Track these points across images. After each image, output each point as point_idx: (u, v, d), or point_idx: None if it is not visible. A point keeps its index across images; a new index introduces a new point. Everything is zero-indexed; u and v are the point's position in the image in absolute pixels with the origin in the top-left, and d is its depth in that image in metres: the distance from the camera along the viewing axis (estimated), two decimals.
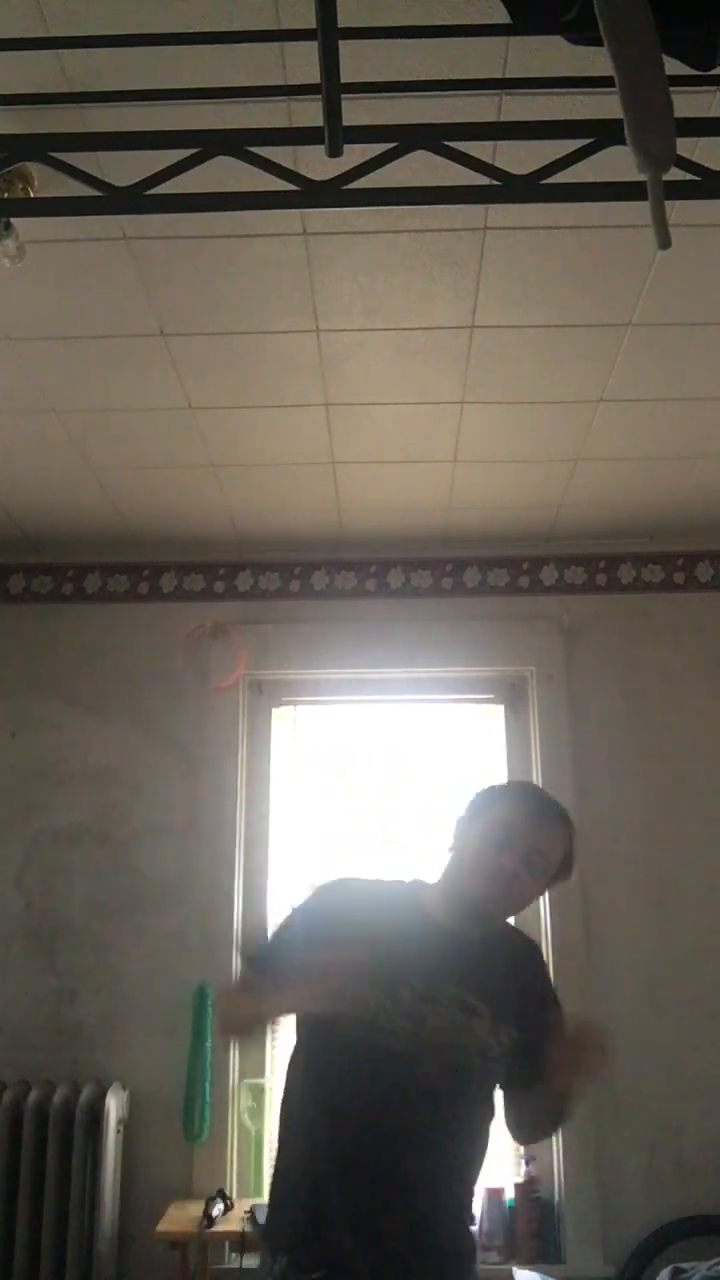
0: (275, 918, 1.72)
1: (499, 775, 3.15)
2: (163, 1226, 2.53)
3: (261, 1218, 2.22)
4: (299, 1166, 1.60)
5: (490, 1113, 1.70)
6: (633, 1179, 2.74)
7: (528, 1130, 1.84)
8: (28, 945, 2.96)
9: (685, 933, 2.91)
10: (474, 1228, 1.80)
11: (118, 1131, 2.71)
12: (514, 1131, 1.80)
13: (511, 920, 1.79)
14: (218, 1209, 2.53)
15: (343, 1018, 1.58)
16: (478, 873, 1.64)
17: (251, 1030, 1.78)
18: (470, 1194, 1.70)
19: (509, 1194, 2.72)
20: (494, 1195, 2.71)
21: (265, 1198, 1.71)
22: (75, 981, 2.92)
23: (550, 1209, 2.75)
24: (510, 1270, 2.57)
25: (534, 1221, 2.70)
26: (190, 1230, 2.49)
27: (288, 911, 1.74)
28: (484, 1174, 1.73)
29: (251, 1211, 2.50)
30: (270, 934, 1.73)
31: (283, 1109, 1.67)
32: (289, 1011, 1.64)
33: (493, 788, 1.78)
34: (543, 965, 1.84)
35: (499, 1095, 1.72)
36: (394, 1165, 1.57)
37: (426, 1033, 1.59)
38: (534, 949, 1.84)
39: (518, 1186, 2.72)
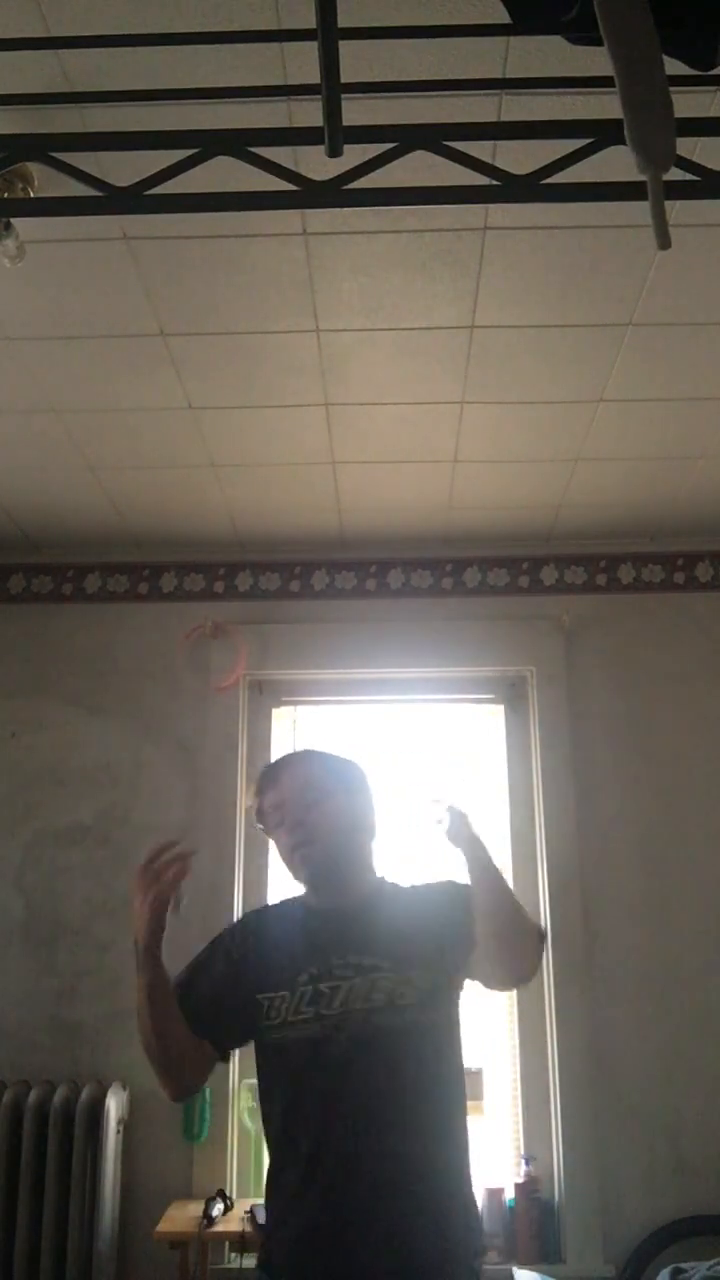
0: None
1: (499, 775, 3.16)
2: (163, 1226, 2.53)
3: (261, 1218, 2.22)
4: (276, 1184, 1.65)
5: (449, 1070, 1.65)
6: (633, 1179, 2.74)
7: (506, 961, 1.69)
8: (28, 945, 2.96)
9: (685, 933, 2.91)
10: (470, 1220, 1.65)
11: (118, 1131, 2.71)
12: (504, 975, 1.73)
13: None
14: (218, 1209, 2.53)
15: (259, 1028, 1.67)
16: (288, 859, 1.76)
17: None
18: (456, 1173, 1.61)
19: (509, 1194, 2.72)
20: (494, 1195, 2.71)
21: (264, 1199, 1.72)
22: (75, 981, 2.92)
23: (550, 1209, 2.75)
24: (510, 1270, 2.57)
25: (534, 1221, 2.70)
26: (190, 1230, 2.49)
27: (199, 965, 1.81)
28: (472, 1150, 1.64)
29: (251, 1211, 2.50)
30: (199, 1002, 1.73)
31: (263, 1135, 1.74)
32: (144, 948, 1.64)
33: (254, 786, 1.89)
34: (440, 895, 1.81)
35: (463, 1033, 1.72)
36: (356, 1152, 1.55)
37: (333, 1009, 1.62)
38: (427, 890, 1.84)
39: (518, 1186, 2.72)
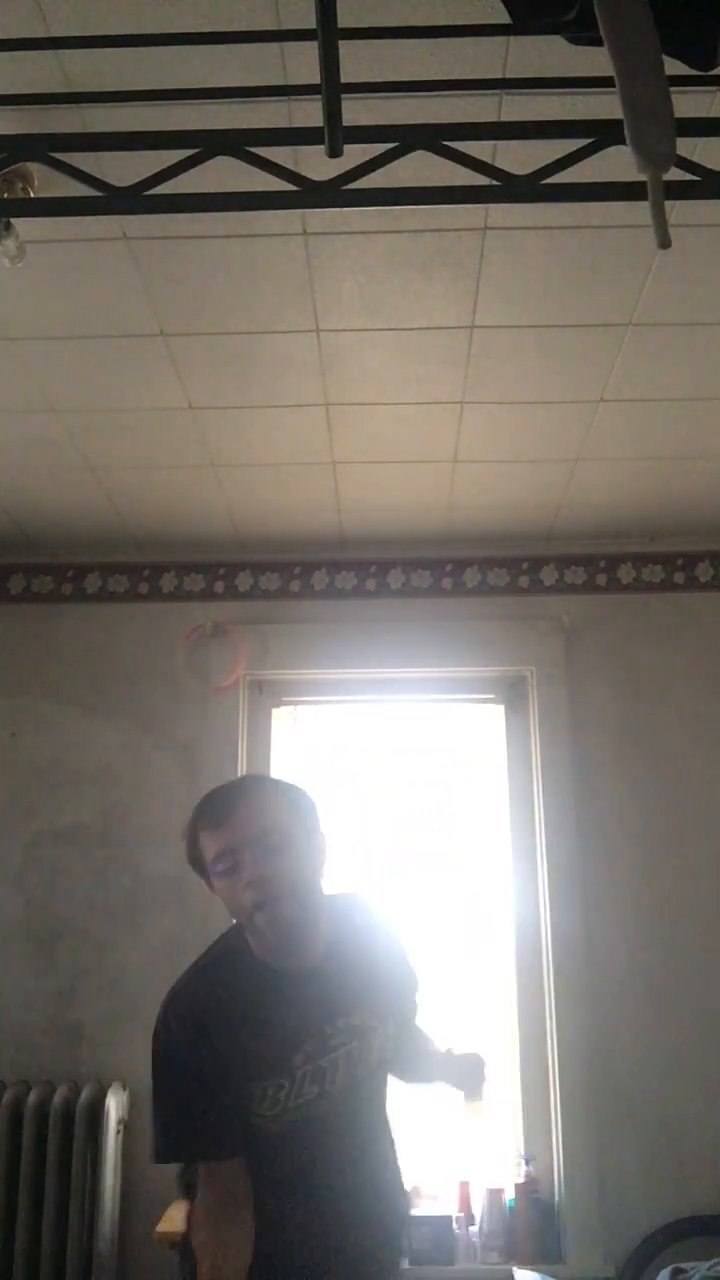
0: (158, 1104, 1.58)
1: (499, 775, 3.16)
2: (163, 1226, 2.53)
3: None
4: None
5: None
6: (633, 1179, 2.74)
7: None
8: (28, 945, 2.96)
9: (685, 933, 2.91)
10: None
11: (118, 1131, 2.71)
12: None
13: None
14: None
15: (254, 1117, 1.49)
16: (245, 918, 1.50)
17: None
18: (401, 1187, 1.71)
19: (509, 1194, 2.72)
20: (494, 1195, 2.71)
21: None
22: (75, 981, 2.92)
23: (550, 1209, 2.75)
24: (510, 1270, 2.57)
25: (534, 1221, 2.70)
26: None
27: (170, 1076, 1.55)
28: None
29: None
30: (169, 1126, 1.54)
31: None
32: None
33: (189, 822, 1.57)
34: (398, 962, 1.72)
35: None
36: (341, 1199, 1.57)
37: (336, 1084, 1.54)
38: (385, 940, 1.70)
39: (518, 1186, 2.72)
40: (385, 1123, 1.70)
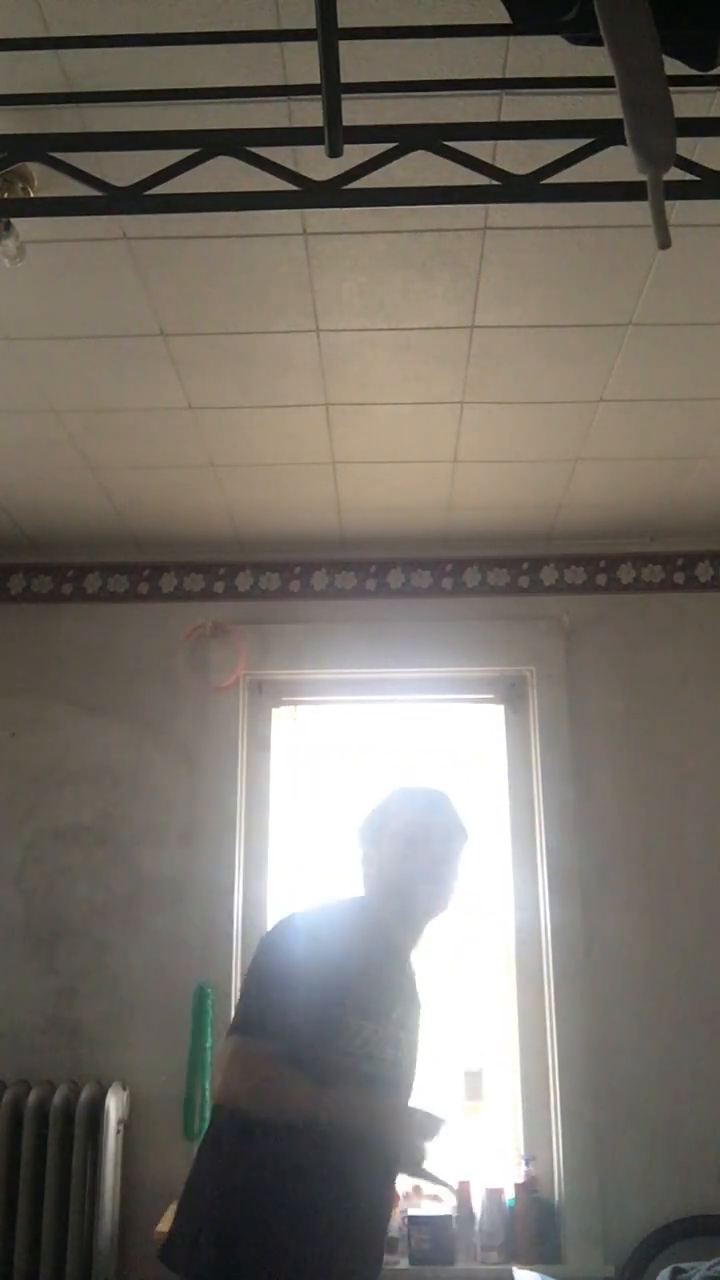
0: (271, 977, 1.60)
1: (499, 775, 3.16)
2: (163, 1226, 2.52)
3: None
4: (321, 1223, 1.52)
5: None
6: (633, 1179, 2.74)
7: None
8: (28, 945, 2.96)
9: (685, 932, 2.91)
10: None
11: (118, 1131, 2.71)
12: None
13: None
14: None
15: (334, 1050, 1.52)
16: (418, 877, 1.67)
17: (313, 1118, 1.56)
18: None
19: (509, 1194, 2.72)
20: (494, 1195, 2.71)
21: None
22: (75, 981, 2.92)
23: (550, 1209, 2.75)
24: (510, 1270, 2.57)
25: (534, 1221, 2.70)
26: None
27: (276, 965, 1.61)
28: None
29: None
30: (278, 1001, 1.57)
31: (280, 1169, 1.52)
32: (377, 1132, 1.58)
33: (389, 797, 1.79)
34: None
35: None
36: (384, 1193, 1.64)
37: (404, 1060, 1.63)
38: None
39: (518, 1186, 2.72)
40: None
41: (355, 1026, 1.55)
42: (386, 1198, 1.68)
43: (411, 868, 1.69)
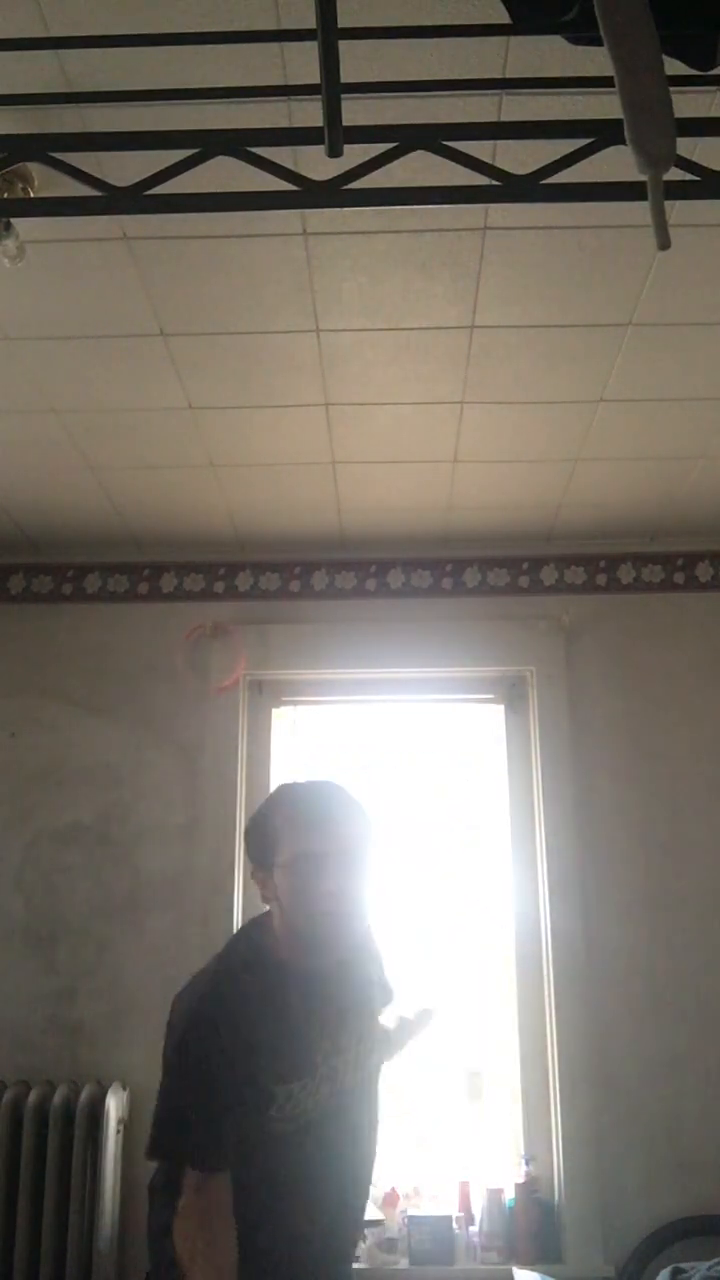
0: (172, 1104, 1.57)
1: (499, 775, 3.16)
2: None
3: None
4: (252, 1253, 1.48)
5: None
6: (633, 1179, 2.74)
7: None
8: (28, 945, 2.96)
9: (685, 932, 2.91)
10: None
11: (118, 1131, 2.71)
12: None
13: None
14: None
15: (267, 1119, 1.50)
16: (317, 915, 1.52)
17: None
18: (370, 1175, 1.75)
19: (509, 1194, 2.72)
20: (494, 1195, 2.71)
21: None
22: (75, 981, 2.92)
23: (550, 1209, 2.75)
24: (510, 1270, 2.57)
25: (534, 1221, 2.70)
26: None
27: (179, 1085, 1.55)
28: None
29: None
30: (182, 1124, 1.53)
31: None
32: None
33: (271, 809, 1.60)
34: (374, 954, 1.76)
35: None
36: (330, 1194, 1.61)
37: (340, 1087, 1.59)
38: (365, 941, 1.72)
39: (518, 1186, 2.72)
40: (375, 1118, 1.73)
41: (282, 1093, 1.50)
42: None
43: (310, 907, 1.52)
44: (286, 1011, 1.53)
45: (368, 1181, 1.73)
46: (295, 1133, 1.55)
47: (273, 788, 3.08)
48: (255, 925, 1.65)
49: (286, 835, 1.55)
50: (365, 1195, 1.74)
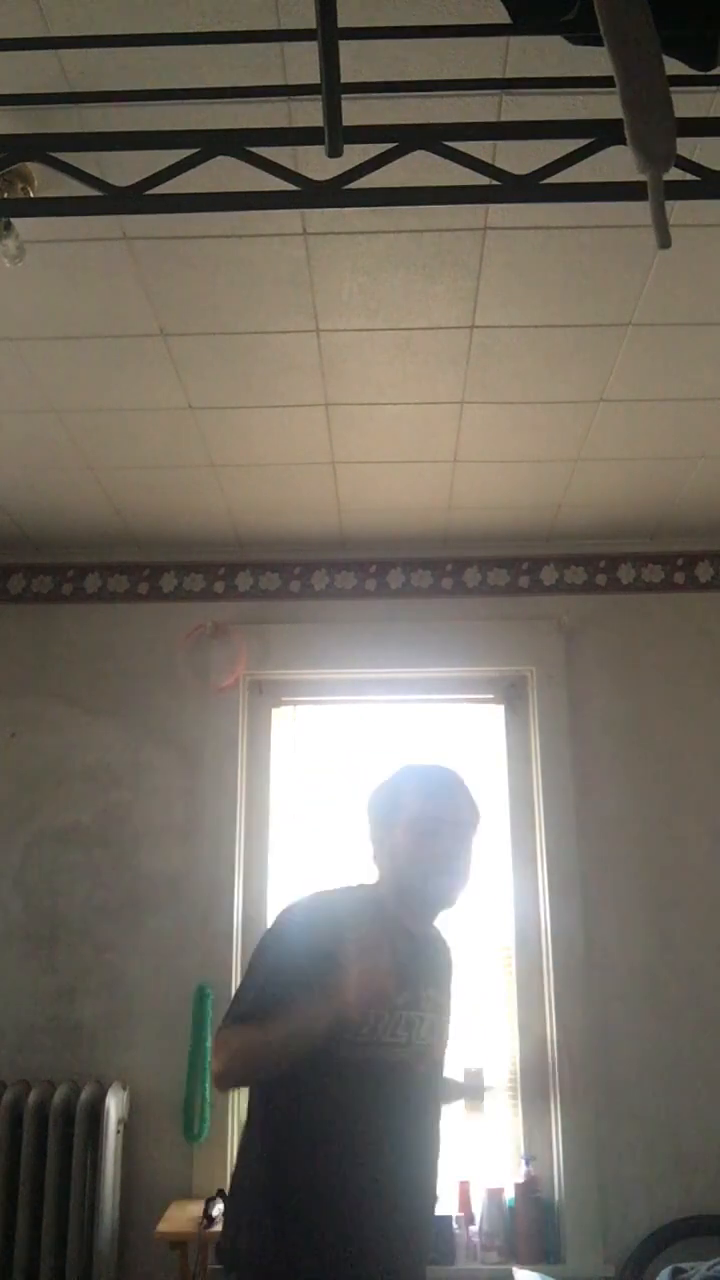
0: (258, 965, 1.66)
1: (499, 775, 3.16)
2: (163, 1226, 2.53)
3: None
4: (322, 1198, 1.55)
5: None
6: (633, 1179, 2.74)
7: None
8: (28, 945, 2.96)
9: (685, 933, 2.91)
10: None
11: (118, 1131, 2.71)
12: None
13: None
14: (218, 1209, 2.53)
15: (343, 1041, 1.54)
16: (429, 871, 1.67)
17: (277, 1062, 1.58)
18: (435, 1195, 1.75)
19: (509, 1194, 2.72)
20: (494, 1195, 2.71)
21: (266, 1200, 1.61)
22: (75, 981, 2.92)
23: (550, 1209, 2.75)
24: (510, 1270, 2.57)
25: (534, 1221, 2.70)
26: (190, 1230, 2.49)
27: (268, 954, 1.65)
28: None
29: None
30: (260, 986, 1.61)
31: (280, 1148, 1.58)
32: (318, 1030, 1.51)
33: (399, 778, 1.77)
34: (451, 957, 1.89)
35: None
36: (402, 1173, 1.61)
37: (417, 1040, 1.64)
38: (447, 940, 1.88)
39: (518, 1186, 2.72)
40: (439, 1129, 1.73)
41: (358, 1011, 1.54)
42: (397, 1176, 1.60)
43: (424, 863, 1.67)
44: (373, 942, 1.58)
45: (434, 1182, 1.71)
46: (369, 1066, 1.58)
47: (273, 788, 3.12)
48: (364, 884, 1.78)
49: (413, 798, 1.71)
50: (434, 1196, 1.72)
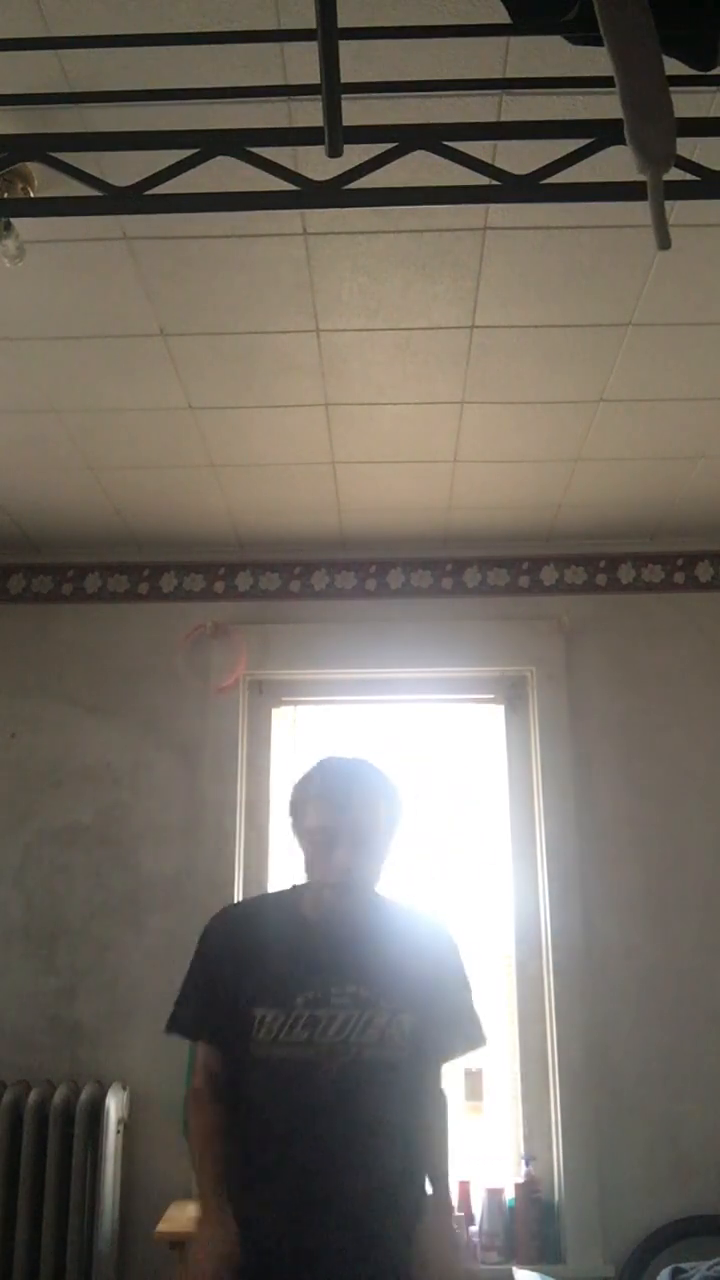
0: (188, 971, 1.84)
1: (499, 775, 3.16)
2: (163, 1226, 2.53)
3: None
4: (238, 1198, 1.62)
5: (430, 1104, 1.74)
6: (633, 1179, 2.74)
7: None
8: (28, 945, 2.96)
9: (684, 933, 2.91)
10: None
11: (118, 1131, 2.71)
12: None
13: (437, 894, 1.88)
14: None
15: (252, 1042, 1.64)
16: (313, 863, 1.72)
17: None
18: (422, 1196, 1.70)
19: (509, 1194, 2.72)
20: (494, 1195, 2.71)
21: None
22: (75, 981, 2.92)
23: (550, 1209, 2.75)
24: (510, 1270, 2.57)
25: (534, 1221, 2.70)
26: (190, 1230, 2.48)
27: (192, 962, 1.80)
28: (453, 1171, 1.79)
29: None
30: (185, 993, 1.80)
31: (228, 1145, 1.69)
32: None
33: (301, 785, 1.80)
34: (447, 948, 1.85)
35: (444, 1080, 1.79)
36: (332, 1179, 1.60)
37: (325, 1037, 1.63)
38: (437, 932, 1.86)
39: (518, 1186, 2.72)
40: (399, 1131, 1.67)
41: (258, 1016, 1.65)
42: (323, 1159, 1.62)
43: (321, 876, 1.72)
44: (280, 945, 1.71)
45: (386, 1160, 1.66)
46: (277, 1067, 1.62)
47: (273, 788, 3.11)
48: (296, 886, 1.84)
49: (311, 808, 1.74)
50: (390, 1173, 1.66)
